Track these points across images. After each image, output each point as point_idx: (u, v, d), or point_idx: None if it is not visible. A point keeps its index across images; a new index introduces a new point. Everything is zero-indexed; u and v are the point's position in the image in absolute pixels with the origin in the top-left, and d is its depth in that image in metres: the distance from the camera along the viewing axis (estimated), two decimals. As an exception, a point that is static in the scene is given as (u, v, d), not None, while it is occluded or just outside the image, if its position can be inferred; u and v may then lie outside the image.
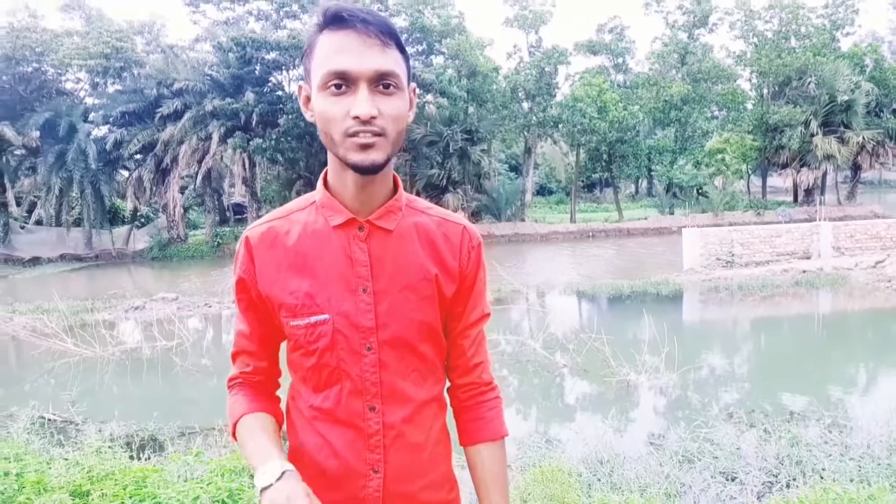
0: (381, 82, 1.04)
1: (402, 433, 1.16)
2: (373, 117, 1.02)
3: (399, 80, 1.06)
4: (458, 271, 1.20)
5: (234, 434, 1.19)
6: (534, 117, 30.52)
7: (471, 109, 29.83)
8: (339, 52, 1.03)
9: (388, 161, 1.08)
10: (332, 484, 1.16)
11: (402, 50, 1.08)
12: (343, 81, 1.03)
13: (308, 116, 1.12)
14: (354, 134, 1.03)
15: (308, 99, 1.12)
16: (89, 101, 30.34)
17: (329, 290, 1.13)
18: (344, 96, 1.03)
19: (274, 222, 1.18)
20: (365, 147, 1.04)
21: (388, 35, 1.05)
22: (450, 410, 1.30)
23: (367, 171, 1.07)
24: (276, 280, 1.15)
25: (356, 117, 1.02)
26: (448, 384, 1.29)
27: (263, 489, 0.98)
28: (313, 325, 1.13)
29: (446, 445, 1.26)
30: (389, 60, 1.04)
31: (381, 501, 1.16)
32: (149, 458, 4.91)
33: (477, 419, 1.27)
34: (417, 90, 1.16)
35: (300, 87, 1.14)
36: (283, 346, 1.26)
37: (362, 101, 1.02)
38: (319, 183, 1.18)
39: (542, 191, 45.86)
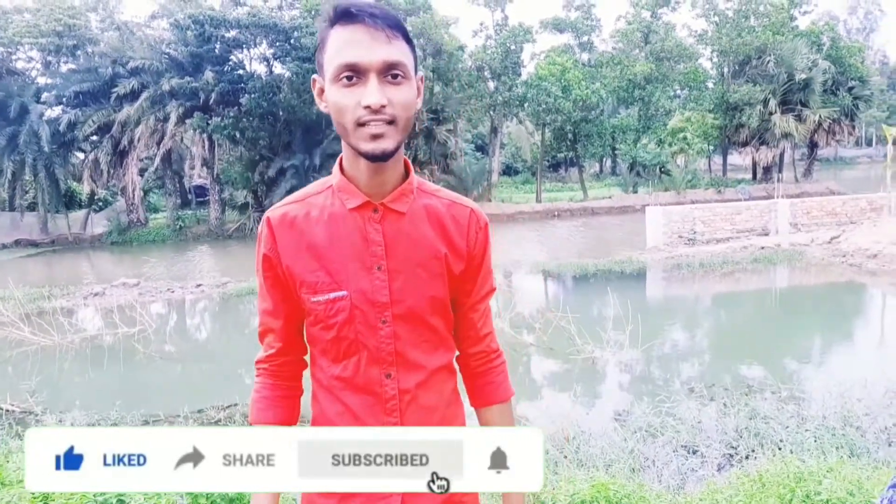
0: (390, 72, 1.12)
1: (416, 397, 1.25)
2: (382, 106, 1.10)
3: (406, 70, 1.14)
4: (465, 251, 1.29)
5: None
6: (499, 96, 30.38)
7: (436, 89, 29.50)
8: (349, 45, 1.11)
9: (397, 148, 1.16)
10: None
11: (408, 41, 1.16)
12: (354, 73, 1.11)
13: (322, 108, 1.20)
14: (365, 123, 1.11)
15: (322, 91, 1.19)
16: (41, 80, 29.25)
17: (346, 268, 1.22)
18: (355, 87, 1.11)
19: (291, 206, 1.26)
20: (375, 137, 1.12)
21: (395, 27, 1.13)
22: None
23: (378, 159, 1.15)
24: (296, 259, 1.23)
25: (367, 107, 1.10)
26: (458, 353, 1.39)
27: None
28: (332, 301, 1.22)
29: (458, 407, 1.36)
30: (396, 51, 1.12)
31: None
32: (112, 448, 4.82)
33: (488, 383, 1.38)
34: (424, 78, 1.23)
35: (314, 80, 1.22)
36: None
37: (372, 91, 1.10)
38: (336, 168, 1.26)
39: (508, 171, 45.87)
